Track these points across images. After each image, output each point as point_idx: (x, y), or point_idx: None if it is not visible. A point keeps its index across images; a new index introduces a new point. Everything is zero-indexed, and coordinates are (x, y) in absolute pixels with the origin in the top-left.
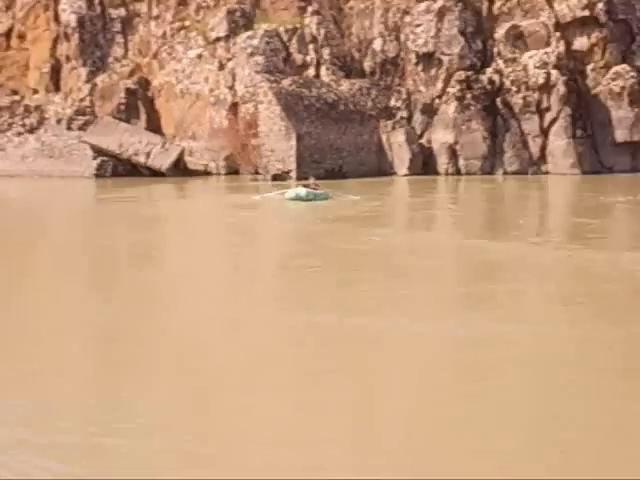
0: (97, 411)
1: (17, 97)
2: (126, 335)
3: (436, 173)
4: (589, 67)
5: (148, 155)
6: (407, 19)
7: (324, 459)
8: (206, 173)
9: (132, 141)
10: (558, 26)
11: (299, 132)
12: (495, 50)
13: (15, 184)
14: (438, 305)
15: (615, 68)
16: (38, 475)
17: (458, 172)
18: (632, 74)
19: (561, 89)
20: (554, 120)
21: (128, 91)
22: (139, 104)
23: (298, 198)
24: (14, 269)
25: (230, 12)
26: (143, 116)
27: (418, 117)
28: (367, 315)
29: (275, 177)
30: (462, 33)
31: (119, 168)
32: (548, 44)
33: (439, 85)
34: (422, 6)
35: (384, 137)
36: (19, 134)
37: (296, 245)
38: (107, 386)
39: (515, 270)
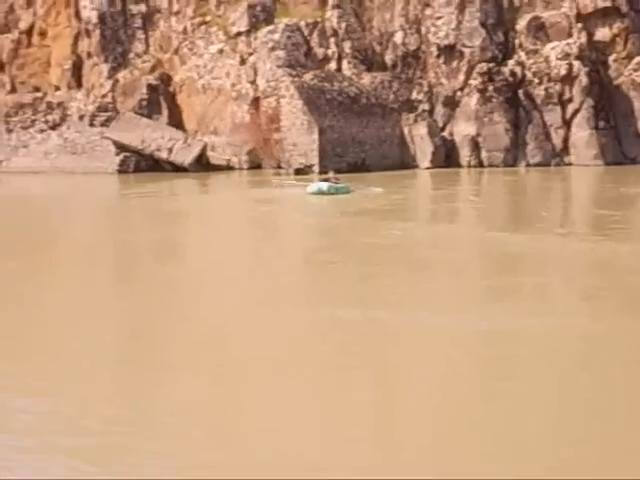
0: (122, 409)
1: (39, 94)
2: (150, 329)
3: (458, 166)
4: (611, 58)
5: (170, 150)
6: (428, 11)
7: (345, 457)
8: (228, 168)
9: (154, 137)
10: (580, 17)
11: (321, 126)
12: (517, 42)
13: (38, 180)
14: (461, 298)
15: (637, 58)
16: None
17: (481, 164)
18: None
19: (583, 80)
20: (576, 111)
21: (150, 87)
22: (161, 100)
23: (320, 192)
24: (40, 264)
25: (251, 6)
26: (165, 112)
27: (440, 110)
28: (389, 309)
29: (298, 171)
30: (483, 25)
31: (142, 164)
32: (570, 35)
33: (461, 77)
34: None
35: (406, 130)
36: (42, 131)
37: (318, 239)
38: (132, 382)
39: (538, 262)
